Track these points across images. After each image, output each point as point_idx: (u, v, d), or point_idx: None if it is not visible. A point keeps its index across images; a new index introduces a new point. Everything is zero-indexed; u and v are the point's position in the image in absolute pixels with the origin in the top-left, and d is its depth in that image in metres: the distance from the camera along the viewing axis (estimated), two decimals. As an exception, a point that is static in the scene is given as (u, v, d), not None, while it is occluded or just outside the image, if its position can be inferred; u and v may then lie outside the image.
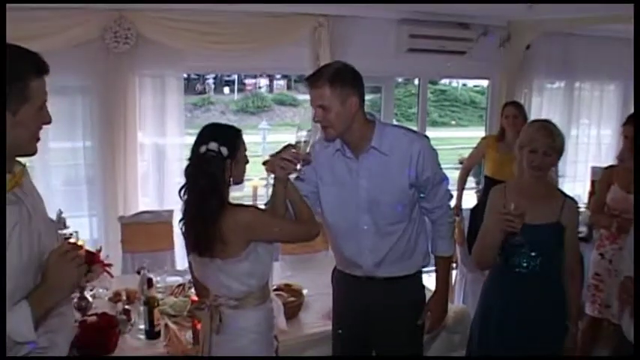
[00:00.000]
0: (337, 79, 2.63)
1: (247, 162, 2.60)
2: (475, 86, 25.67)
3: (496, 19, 5.82)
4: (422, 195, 2.89)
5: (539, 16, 5.49)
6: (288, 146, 2.64)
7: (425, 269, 3.09)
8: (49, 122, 1.89)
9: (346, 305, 3.06)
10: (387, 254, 2.88)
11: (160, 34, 4.82)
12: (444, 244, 3.04)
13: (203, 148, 2.45)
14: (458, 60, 5.90)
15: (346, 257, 2.96)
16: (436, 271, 3.10)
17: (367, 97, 2.81)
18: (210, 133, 2.51)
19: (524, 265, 2.98)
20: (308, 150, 2.72)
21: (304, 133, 2.69)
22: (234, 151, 2.49)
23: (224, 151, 2.44)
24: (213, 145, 2.44)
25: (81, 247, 2.07)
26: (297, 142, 2.65)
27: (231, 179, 2.52)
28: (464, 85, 27.56)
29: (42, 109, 1.85)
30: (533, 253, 2.94)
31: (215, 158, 2.44)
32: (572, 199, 3.08)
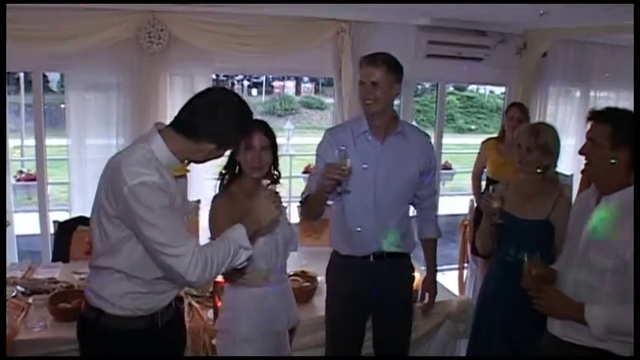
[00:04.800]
0: (392, 65, 3.04)
1: (255, 163, 2.85)
2: (502, 93, 25.62)
3: (513, 26, 5.97)
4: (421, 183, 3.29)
5: (553, 24, 5.64)
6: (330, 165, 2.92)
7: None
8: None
9: (349, 290, 3.27)
10: (395, 230, 3.22)
11: (190, 36, 5.06)
12: (434, 226, 3.43)
13: None
14: (475, 66, 6.08)
15: (360, 234, 3.20)
16: (426, 254, 3.46)
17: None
18: None
19: (511, 253, 3.19)
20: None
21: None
22: None
23: None
24: None
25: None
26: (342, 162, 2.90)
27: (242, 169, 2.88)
28: (491, 92, 27.52)
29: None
30: (519, 245, 3.12)
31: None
32: (565, 198, 3.24)
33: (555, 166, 3.28)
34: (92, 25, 4.80)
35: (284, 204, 3.02)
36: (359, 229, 3.21)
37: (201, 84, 5.26)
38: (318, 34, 5.47)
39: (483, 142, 5.58)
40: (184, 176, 2.49)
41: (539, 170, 3.19)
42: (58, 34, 4.72)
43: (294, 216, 4.66)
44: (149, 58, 5.04)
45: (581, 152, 2.51)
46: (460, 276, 5.70)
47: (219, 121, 2.27)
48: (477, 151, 5.53)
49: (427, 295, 3.47)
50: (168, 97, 5.27)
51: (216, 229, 2.75)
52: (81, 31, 4.78)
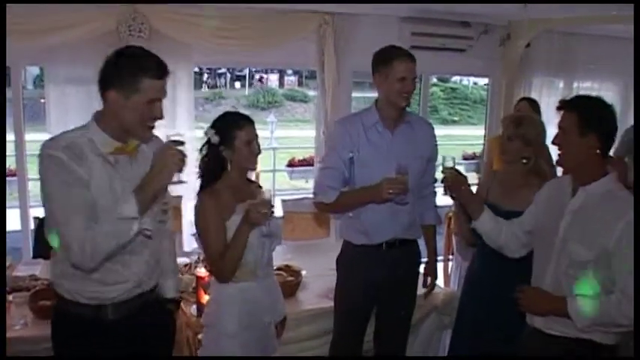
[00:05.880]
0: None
1: (258, 152, 2.82)
2: (486, 84, 25.65)
3: (496, 17, 5.95)
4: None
5: (536, 16, 5.63)
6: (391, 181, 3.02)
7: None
8: (160, 117, 2.36)
9: (362, 279, 3.33)
10: (407, 218, 3.31)
11: (171, 29, 4.98)
12: (434, 213, 3.56)
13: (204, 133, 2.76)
14: (458, 57, 6.06)
15: (375, 223, 3.27)
16: (427, 240, 3.58)
17: (370, 93, 3.18)
18: (215, 120, 2.80)
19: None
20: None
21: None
22: (228, 139, 2.74)
23: (214, 139, 2.72)
24: (209, 132, 2.75)
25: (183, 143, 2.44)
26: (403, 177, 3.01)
27: (231, 164, 2.79)
28: (475, 83, 27.61)
29: (153, 103, 2.31)
30: None
31: (207, 144, 2.78)
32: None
33: (550, 157, 3.29)
34: (72, 18, 4.72)
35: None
36: (351, 215, 3.29)
37: (184, 77, 5.23)
38: (301, 27, 5.41)
39: (491, 140, 5.65)
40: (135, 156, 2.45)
41: (524, 161, 3.19)
42: (38, 27, 4.63)
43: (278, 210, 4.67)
44: (130, 51, 4.95)
45: (553, 142, 2.54)
46: (445, 268, 5.70)
47: (116, 66, 2.32)
48: (461, 142, 5.55)
49: (429, 279, 3.59)
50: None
51: (204, 229, 2.75)
52: (61, 24, 4.69)
